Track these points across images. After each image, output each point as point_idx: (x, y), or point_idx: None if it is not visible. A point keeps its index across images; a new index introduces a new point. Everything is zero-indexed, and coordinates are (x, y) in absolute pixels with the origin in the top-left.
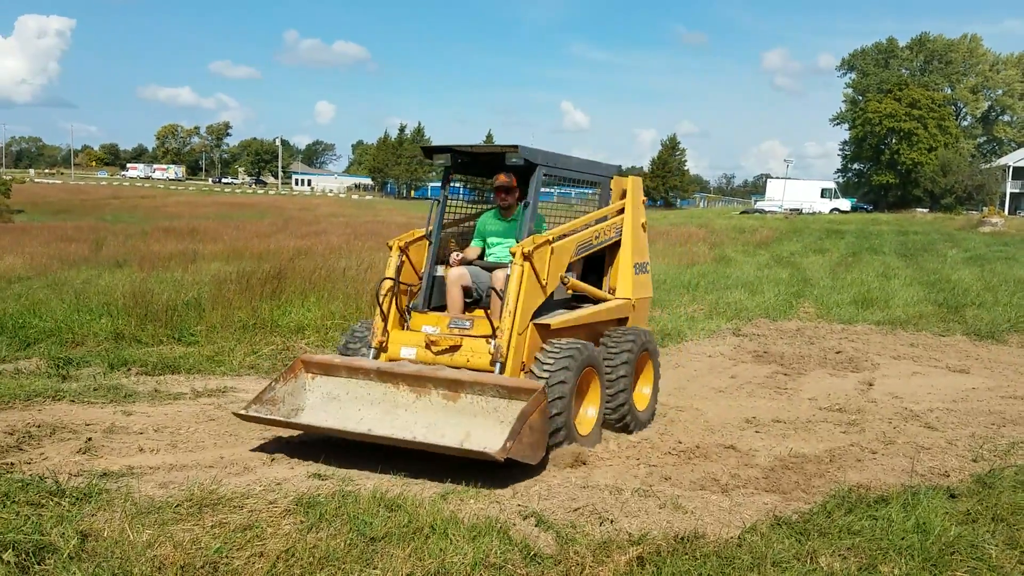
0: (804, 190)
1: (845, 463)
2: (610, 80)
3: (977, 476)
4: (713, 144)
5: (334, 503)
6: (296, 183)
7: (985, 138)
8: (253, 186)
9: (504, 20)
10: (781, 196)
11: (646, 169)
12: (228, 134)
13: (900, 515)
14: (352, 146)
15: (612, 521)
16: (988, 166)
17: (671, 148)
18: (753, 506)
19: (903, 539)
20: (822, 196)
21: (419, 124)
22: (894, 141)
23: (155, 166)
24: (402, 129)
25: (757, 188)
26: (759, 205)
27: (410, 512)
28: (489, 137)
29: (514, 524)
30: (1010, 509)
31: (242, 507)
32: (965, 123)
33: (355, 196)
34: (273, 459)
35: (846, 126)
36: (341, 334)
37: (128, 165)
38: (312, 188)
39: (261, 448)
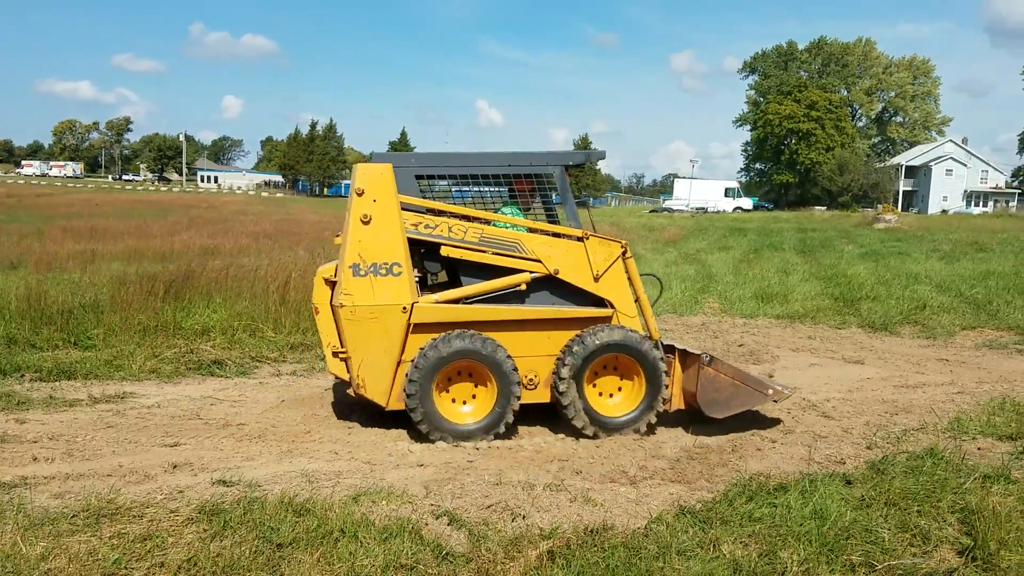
0: (709, 189)
1: (746, 452)
2: (523, 79)
3: (871, 463)
4: (624, 144)
5: (239, 510)
6: (202, 180)
7: (879, 138)
8: (156, 183)
9: (417, 16)
10: (688, 195)
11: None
12: (129, 129)
13: (798, 502)
14: (261, 142)
15: (524, 517)
16: (882, 165)
17: (584, 147)
18: (660, 497)
19: (801, 525)
20: (726, 195)
21: (331, 120)
22: (793, 141)
23: (52, 163)
24: (313, 125)
25: (665, 187)
26: (667, 204)
27: (319, 516)
28: (403, 135)
29: (426, 524)
30: (902, 494)
31: (142, 516)
32: (860, 124)
33: (265, 193)
34: (175, 466)
35: (748, 127)
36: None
37: (23, 162)
38: (219, 185)
39: (163, 455)
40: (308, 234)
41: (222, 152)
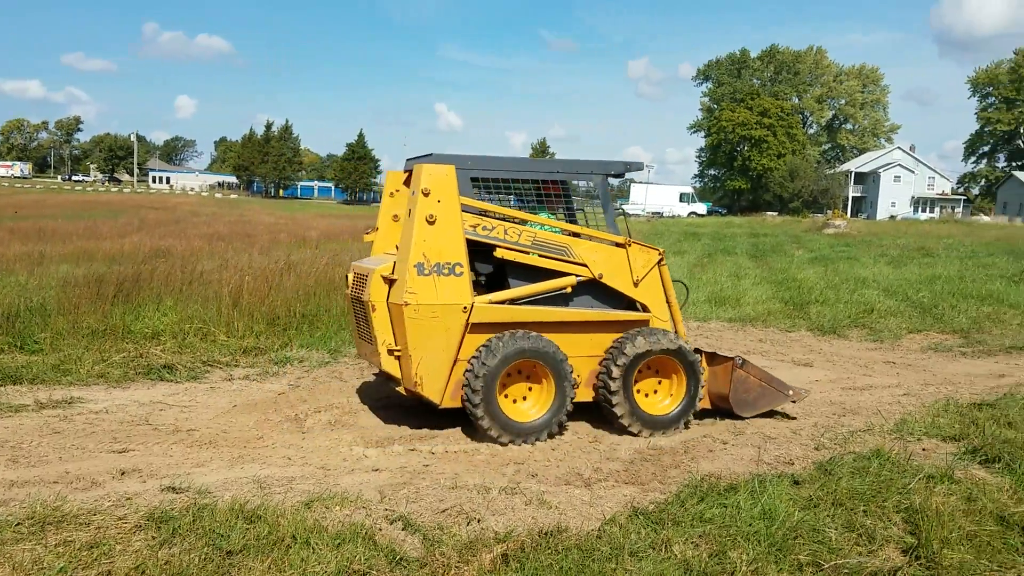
0: (665, 194)
1: (698, 454)
2: (482, 82)
3: (819, 463)
4: (582, 148)
5: (188, 517)
6: (153, 181)
7: (829, 145)
8: (106, 184)
9: (375, 18)
10: (644, 200)
11: None
12: (79, 129)
13: (748, 502)
14: (215, 143)
15: (479, 520)
16: (832, 172)
17: (541, 151)
18: (614, 498)
19: (750, 525)
20: (681, 200)
21: (287, 121)
22: (746, 148)
23: None
24: (269, 126)
25: (622, 192)
26: (623, 208)
27: (270, 523)
28: (361, 137)
29: (380, 529)
30: (848, 494)
31: (89, 524)
32: (811, 131)
33: (219, 195)
34: (124, 473)
35: (703, 133)
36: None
37: None
38: (171, 186)
39: (111, 462)
40: (263, 236)
41: (175, 153)
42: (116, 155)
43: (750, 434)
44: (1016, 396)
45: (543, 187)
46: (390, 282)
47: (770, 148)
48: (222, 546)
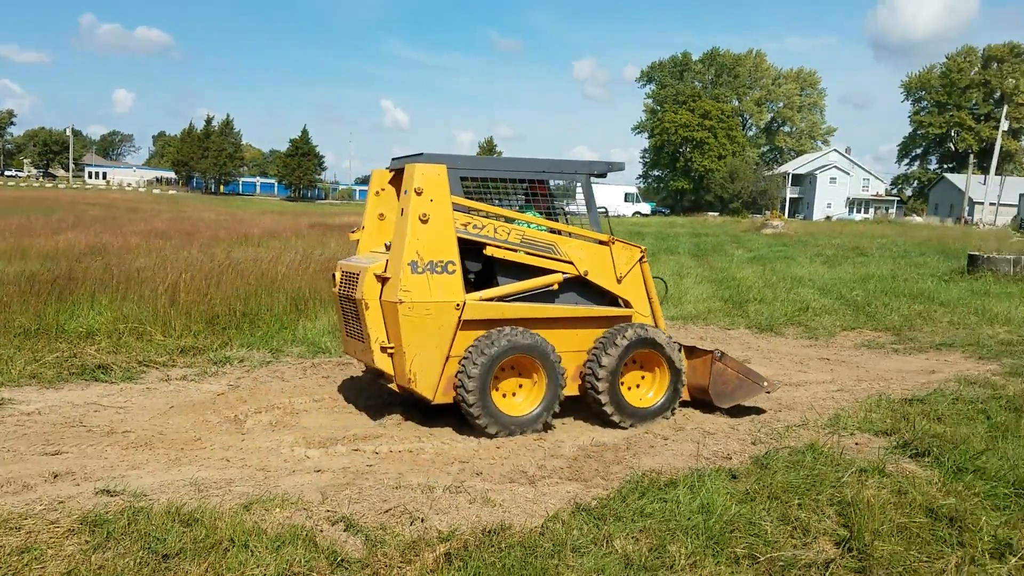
0: (610, 194)
1: (640, 450)
2: (429, 80)
3: (755, 458)
4: (529, 148)
5: (123, 520)
6: (90, 176)
7: (768, 147)
8: (40, 179)
9: (318, 13)
10: None
11: None
12: (12, 123)
13: (687, 496)
14: (153, 137)
15: (423, 520)
16: (771, 173)
17: (488, 150)
18: (557, 495)
19: (689, 519)
20: (626, 200)
21: (228, 116)
22: (688, 149)
23: None
24: (209, 121)
25: (569, 191)
26: (570, 208)
27: (208, 526)
28: (305, 133)
29: (321, 530)
30: (784, 487)
31: (19, 528)
32: (751, 133)
33: (157, 190)
34: (56, 476)
35: (646, 135)
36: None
37: None
38: (108, 182)
39: (43, 464)
40: (203, 233)
41: (112, 147)
42: (51, 150)
43: (690, 430)
44: (945, 392)
45: (528, 186)
46: (383, 280)
47: (711, 150)
48: (158, 550)
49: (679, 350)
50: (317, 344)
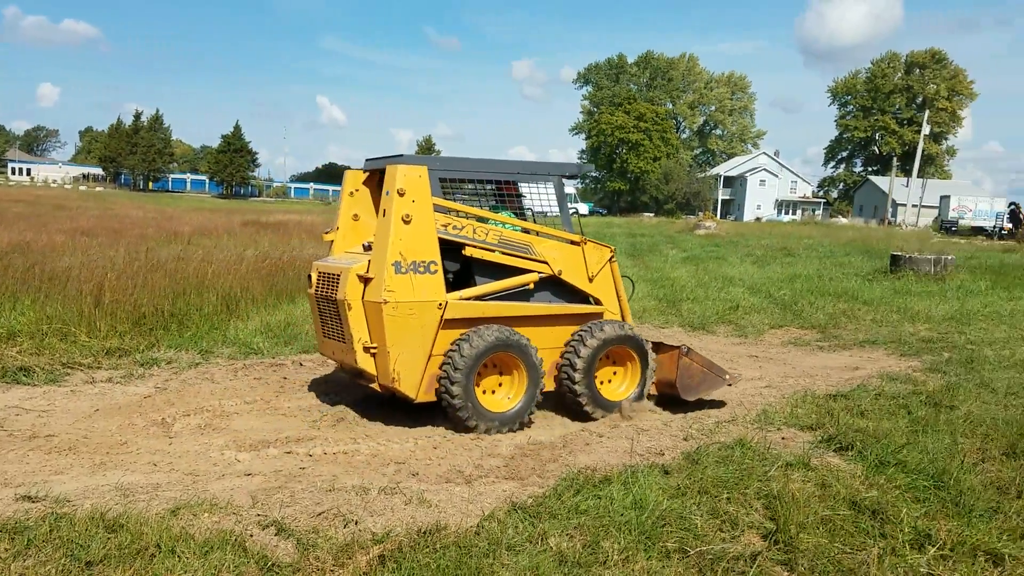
0: (538, 194)
1: (576, 447)
2: (366, 77)
3: (687, 453)
4: (468, 147)
5: (45, 527)
6: (13, 172)
7: (701, 150)
8: None
9: (253, 6)
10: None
11: None
12: None
13: (621, 493)
14: (80, 133)
15: (356, 522)
16: (703, 175)
17: (427, 149)
18: (493, 494)
19: (622, 515)
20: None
21: (158, 111)
22: (624, 151)
23: None
24: (138, 116)
25: (486, 190)
26: (538, 209)
27: (133, 531)
28: (237, 128)
29: (251, 535)
30: (713, 482)
31: None
32: (684, 136)
33: (84, 187)
34: None
35: (584, 136)
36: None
37: None
38: (32, 178)
39: None
40: (131, 231)
41: (36, 143)
42: None
43: (625, 427)
44: (868, 387)
45: (499, 187)
46: (366, 281)
47: (646, 151)
48: (81, 557)
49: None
50: (249, 345)
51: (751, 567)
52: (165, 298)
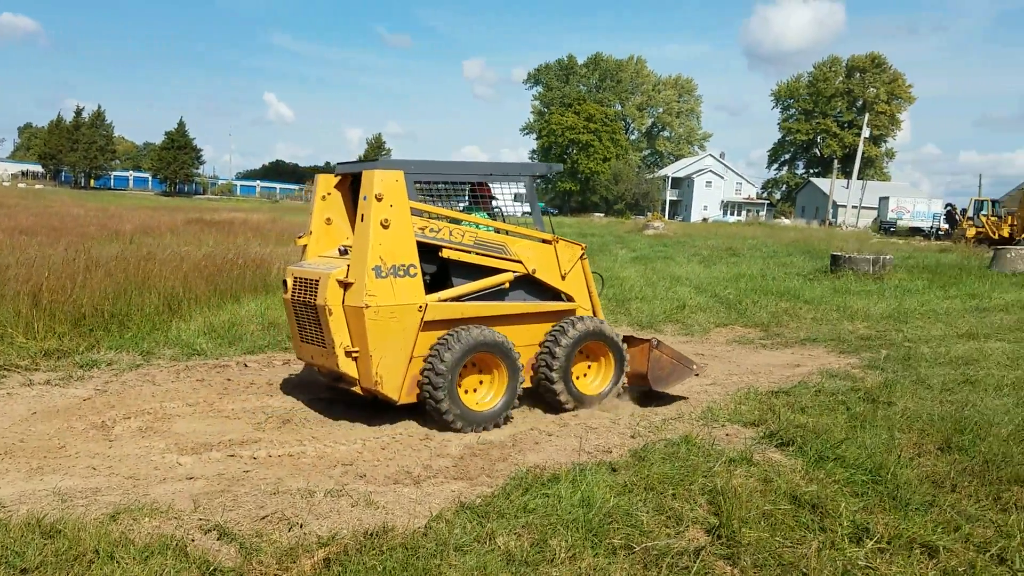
0: (500, 194)
1: (525, 446)
2: (315, 74)
3: (634, 451)
4: (419, 146)
5: None
6: None
7: (649, 151)
8: None
9: (198, 1)
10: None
11: None
12: None
13: (569, 491)
14: (19, 129)
15: (301, 525)
16: (651, 176)
17: (377, 147)
18: (442, 495)
19: (570, 513)
20: (515, 200)
21: (99, 107)
22: (575, 151)
23: None
24: (79, 112)
25: (458, 192)
26: (507, 209)
27: (71, 537)
28: (182, 125)
29: (193, 540)
30: (659, 478)
31: None
32: (633, 137)
33: (22, 184)
34: None
35: (534, 136)
36: None
37: None
38: None
39: None
40: (71, 230)
41: None
42: None
43: (574, 425)
44: (809, 384)
45: (479, 189)
46: (346, 285)
47: (596, 152)
48: (16, 564)
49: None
50: (192, 346)
51: (695, 562)
52: (106, 298)
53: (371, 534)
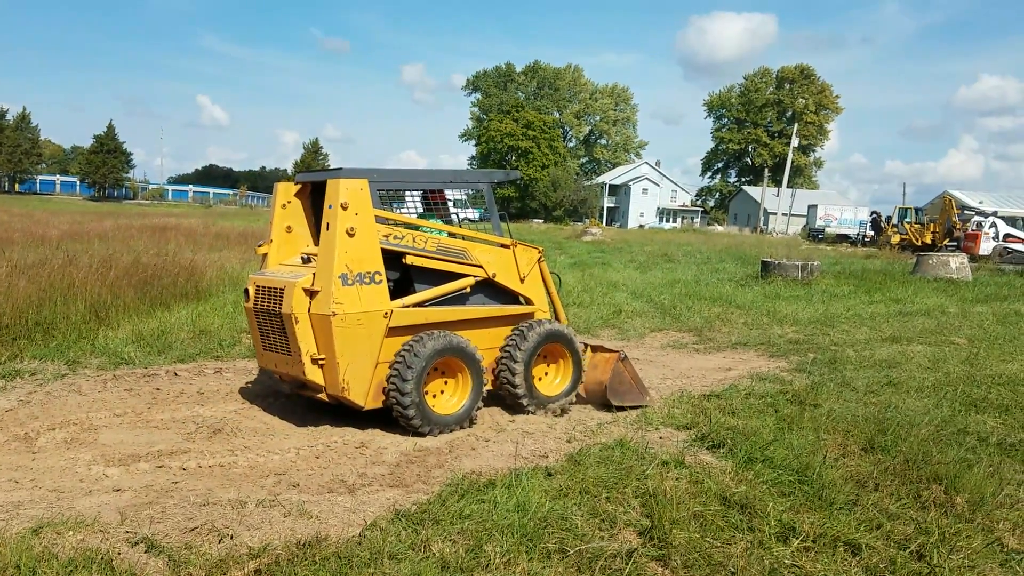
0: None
1: (462, 452)
2: (249, 78)
3: (570, 455)
4: (357, 150)
5: None
6: None
7: (587, 158)
8: None
9: (124, 1)
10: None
11: (290, 172)
12: None
13: (505, 496)
14: None
15: (232, 536)
16: (589, 183)
17: (314, 152)
18: (377, 503)
19: (505, 518)
20: (455, 206)
21: (24, 109)
22: (514, 158)
23: None
24: (2, 114)
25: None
26: (464, 215)
27: None
28: (111, 128)
29: (119, 553)
30: (594, 482)
31: None
32: (571, 144)
33: None
34: None
35: (473, 142)
36: None
37: None
38: None
39: None
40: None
41: None
42: None
43: (511, 431)
44: (739, 387)
45: (433, 196)
46: (312, 294)
47: (535, 159)
48: None
49: (580, 344)
50: (119, 355)
51: (627, 564)
52: (29, 305)
53: (304, 544)
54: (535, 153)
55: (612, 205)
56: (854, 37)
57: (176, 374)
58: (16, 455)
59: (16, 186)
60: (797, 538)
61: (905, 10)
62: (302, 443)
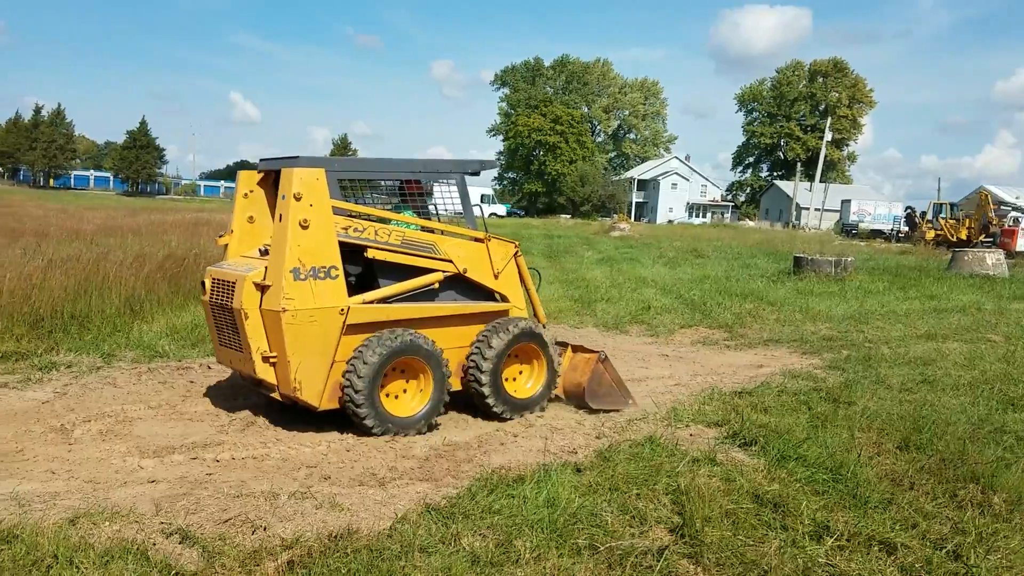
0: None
1: (491, 447)
2: (281, 74)
3: (599, 451)
4: (386, 147)
5: None
6: None
7: (615, 153)
8: None
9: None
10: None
11: None
12: None
13: (534, 491)
14: None
15: (265, 528)
16: (618, 178)
17: (343, 148)
18: (407, 496)
19: (535, 513)
20: (482, 201)
21: (59, 105)
22: (541, 153)
23: None
24: (38, 110)
25: (427, 192)
26: (441, 207)
27: (28, 542)
28: (143, 124)
29: (154, 544)
30: (624, 479)
31: None
32: (599, 139)
33: None
34: None
35: (501, 137)
36: None
37: None
38: None
39: None
40: (30, 230)
41: None
42: None
43: (539, 426)
44: (771, 384)
45: (405, 186)
46: (263, 288)
47: (563, 154)
48: None
49: (555, 343)
50: (153, 348)
51: (658, 561)
52: (65, 299)
53: (335, 536)
54: (563, 148)
55: (641, 200)
56: (889, 31)
57: (210, 367)
58: (53, 446)
59: (51, 181)
60: (831, 537)
61: (942, 3)
62: (333, 436)
